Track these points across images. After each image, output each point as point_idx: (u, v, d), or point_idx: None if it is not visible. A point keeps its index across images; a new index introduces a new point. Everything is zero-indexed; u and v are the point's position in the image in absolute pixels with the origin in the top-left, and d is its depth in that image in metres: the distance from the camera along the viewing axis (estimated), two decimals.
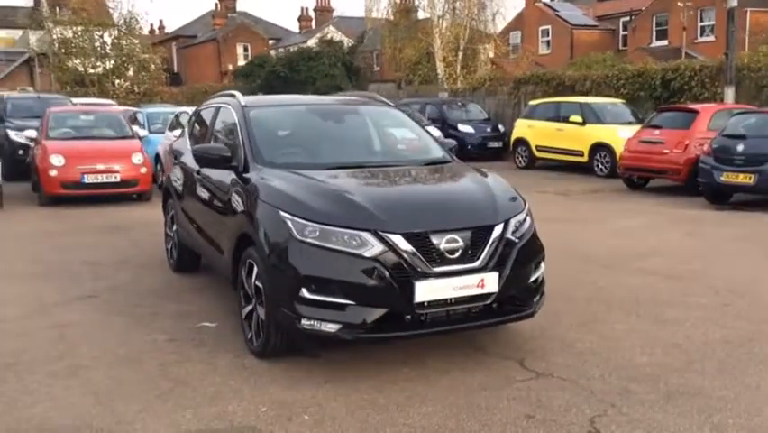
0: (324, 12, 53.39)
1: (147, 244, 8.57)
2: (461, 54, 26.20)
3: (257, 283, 4.61)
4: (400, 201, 4.58)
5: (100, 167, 11.83)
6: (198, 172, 6.03)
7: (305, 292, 4.20)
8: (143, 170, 12.22)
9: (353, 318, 4.19)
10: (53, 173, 11.63)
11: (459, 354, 4.77)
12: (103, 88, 30.35)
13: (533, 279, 4.72)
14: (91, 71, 30.31)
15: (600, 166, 16.05)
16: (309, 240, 4.24)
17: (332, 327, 4.21)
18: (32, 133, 13.01)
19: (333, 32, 43.48)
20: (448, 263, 4.29)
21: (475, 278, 4.34)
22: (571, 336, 5.17)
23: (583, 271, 7.21)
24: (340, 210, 4.36)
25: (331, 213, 4.33)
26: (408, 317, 4.25)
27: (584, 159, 16.51)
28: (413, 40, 26.67)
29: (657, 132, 13.31)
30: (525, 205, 4.90)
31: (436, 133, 19.79)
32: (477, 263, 4.35)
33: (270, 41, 51.77)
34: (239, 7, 56.63)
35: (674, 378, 4.40)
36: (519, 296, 4.63)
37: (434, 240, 4.26)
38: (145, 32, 38.63)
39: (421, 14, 27.98)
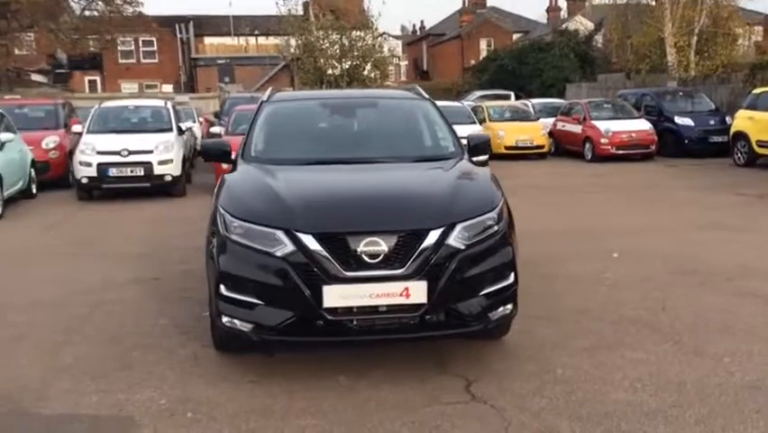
0: (577, 0, 51.33)
1: None
2: (695, 39, 23.47)
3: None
4: (328, 199, 4.30)
5: None
6: None
7: (223, 289, 4.15)
8: None
9: (262, 319, 4.04)
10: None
11: (410, 368, 4.37)
12: (340, 88, 32.33)
13: (487, 291, 4.14)
14: (329, 72, 32.42)
15: None
16: (233, 236, 4.18)
17: (245, 327, 4.10)
18: (216, 129, 14.33)
19: (577, 22, 41.60)
20: (366, 268, 3.94)
21: (398, 286, 3.93)
22: (560, 361, 4.47)
23: (671, 287, 6.15)
24: (265, 207, 4.22)
25: (257, 210, 4.21)
26: (321, 322, 3.99)
27: None
28: (642, 25, 24.50)
29: None
30: (493, 208, 4.30)
31: (643, 126, 18.26)
32: (401, 270, 3.94)
33: (517, 35, 51.10)
34: (490, 2, 56.72)
35: (630, 423, 3.62)
36: (464, 309, 4.10)
37: (352, 242, 3.94)
38: (394, 32, 40.18)
39: None
